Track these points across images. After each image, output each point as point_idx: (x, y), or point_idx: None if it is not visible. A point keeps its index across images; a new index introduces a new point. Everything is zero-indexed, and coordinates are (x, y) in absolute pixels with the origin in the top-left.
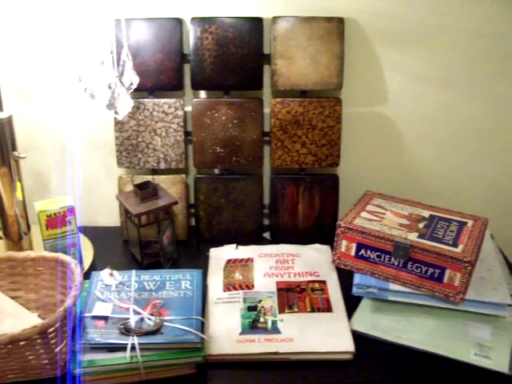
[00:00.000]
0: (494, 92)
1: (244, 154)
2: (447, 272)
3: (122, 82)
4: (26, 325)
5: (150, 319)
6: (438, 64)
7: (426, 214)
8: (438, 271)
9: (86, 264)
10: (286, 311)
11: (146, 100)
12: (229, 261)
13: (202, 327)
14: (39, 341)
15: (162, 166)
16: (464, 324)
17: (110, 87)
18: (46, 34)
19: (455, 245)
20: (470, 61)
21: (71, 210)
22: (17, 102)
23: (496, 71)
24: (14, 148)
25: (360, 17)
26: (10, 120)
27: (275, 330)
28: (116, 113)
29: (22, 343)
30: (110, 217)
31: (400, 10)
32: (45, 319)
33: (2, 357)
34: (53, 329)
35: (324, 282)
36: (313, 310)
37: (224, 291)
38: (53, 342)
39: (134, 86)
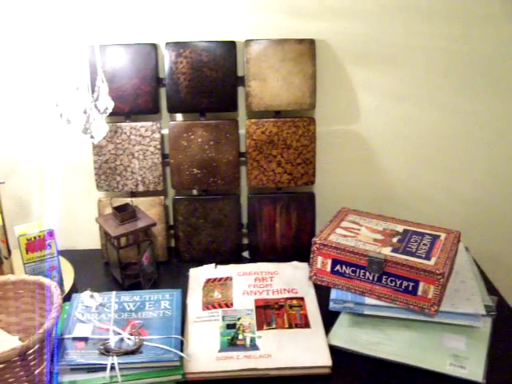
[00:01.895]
0: (466, 108)
1: (221, 174)
2: (421, 285)
3: (97, 107)
4: (6, 348)
5: (129, 339)
6: (409, 82)
7: (400, 228)
8: (411, 284)
9: (67, 286)
10: (265, 328)
11: (123, 124)
12: (208, 280)
13: (182, 346)
14: (19, 363)
15: (141, 188)
16: (439, 335)
17: (85, 112)
18: (22, 59)
19: (428, 258)
20: (441, 78)
21: (51, 233)
22: None
23: (467, 88)
24: None
25: (331, 38)
26: None
27: (254, 346)
28: (92, 137)
29: (1, 366)
30: (91, 239)
31: (370, 30)
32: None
33: None
34: (32, 351)
35: (302, 299)
36: (291, 326)
37: (203, 310)
38: (32, 363)
39: (109, 111)
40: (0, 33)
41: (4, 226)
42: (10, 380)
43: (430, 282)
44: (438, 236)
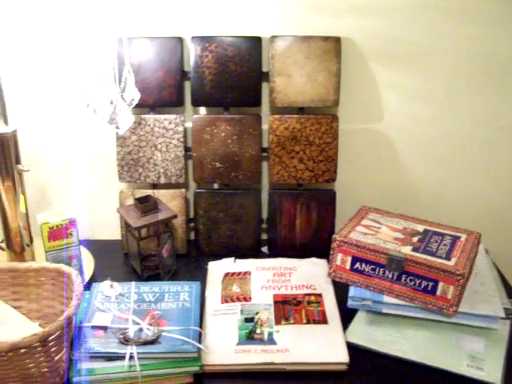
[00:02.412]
0: (487, 110)
1: (243, 169)
2: (440, 285)
3: (123, 98)
4: (27, 334)
5: (148, 329)
6: (434, 82)
7: (421, 228)
8: (431, 284)
9: (87, 276)
10: (283, 323)
11: (147, 116)
12: (227, 274)
13: (200, 338)
14: (39, 349)
15: (163, 180)
16: (457, 336)
17: (111, 103)
18: (50, 50)
19: (448, 258)
20: (465, 79)
21: (73, 222)
22: (21, 116)
23: (488, 90)
24: (18, 161)
25: (356, 36)
26: (14, 134)
27: (271, 341)
28: (117, 128)
29: (22, 351)
30: (111, 230)
31: (395, 30)
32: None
33: (2, 365)
34: (53, 337)
35: (320, 295)
36: (308, 322)
37: (222, 303)
38: (53, 350)
39: (136, 102)
40: (29, 23)
41: (27, 213)
42: (31, 365)
43: (450, 283)
44: (459, 237)
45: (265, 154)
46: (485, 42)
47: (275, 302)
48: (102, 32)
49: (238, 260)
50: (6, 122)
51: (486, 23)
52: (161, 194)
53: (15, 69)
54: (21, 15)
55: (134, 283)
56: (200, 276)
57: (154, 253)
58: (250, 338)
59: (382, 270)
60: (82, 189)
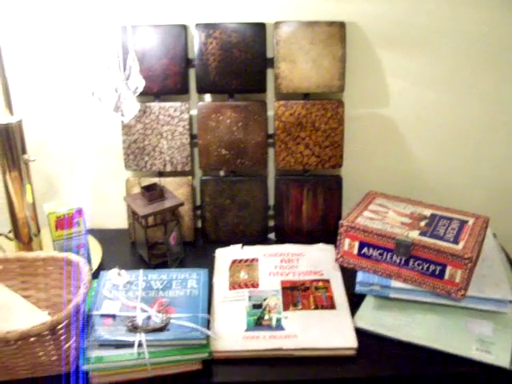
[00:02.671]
0: (495, 93)
1: (249, 156)
2: (448, 269)
3: (128, 86)
4: (37, 322)
5: (156, 317)
6: (439, 66)
7: (428, 212)
8: (439, 268)
9: (94, 265)
10: (291, 309)
11: (152, 104)
12: (234, 261)
13: (208, 324)
14: (49, 337)
15: (169, 168)
16: (465, 320)
17: (116, 91)
18: (54, 40)
19: (456, 242)
20: (471, 63)
21: (80, 211)
22: (26, 106)
23: (496, 73)
24: (23, 151)
25: (361, 21)
26: (19, 124)
27: (279, 327)
28: (122, 115)
29: (31, 339)
30: (118, 219)
31: (400, 13)
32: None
33: (12, 353)
34: (62, 325)
35: (328, 281)
36: (317, 308)
37: (230, 290)
38: (62, 338)
39: (140, 90)
40: (34, 12)
41: (34, 203)
42: (40, 353)
43: (458, 267)
44: (466, 221)
45: (271, 141)
46: (490, 24)
47: (283, 288)
48: (107, 20)
49: (245, 247)
50: (11, 112)
51: (491, 5)
52: (167, 182)
53: (20, 58)
54: (26, 5)
55: (141, 271)
56: (207, 263)
57: (162, 241)
58: (258, 324)
59: (389, 254)
60: (88, 178)
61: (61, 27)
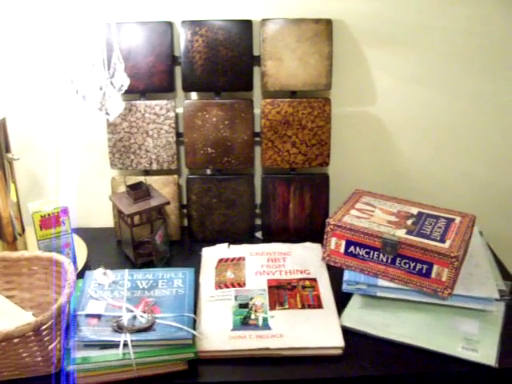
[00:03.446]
0: (482, 90)
1: (235, 154)
2: (435, 267)
3: (112, 84)
4: (21, 323)
5: (142, 317)
6: (426, 64)
7: (415, 211)
8: (425, 267)
9: (80, 264)
10: (277, 308)
11: (137, 102)
12: (221, 260)
13: (194, 324)
14: (33, 338)
15: (154, 166)
16: (452, 318)
17: (101, 89)
18: (38, 37)
19: (442, 241)
20: (458, 60)
21: (65, 210)
22: (10, 103)
23: (483, 70)
24: (7, 150)
25: (348, 18)
26: (3, 122)
27: (266, 326)
28: (107, 114)
29: (15, 340)
30: (104, 217)
31: (387, 10)
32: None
33: None
34: (46, 326)
35: (315, 280)
36: (303, 307)
37: (216, 289)
38: (46, 339)
39: (125, 88)
40: (16, 8)
41: (18, 202)
42: (24, 355)
43: (444, 265)
44: (453, 219)
45: (257, 139)
46: (479, 21)
47: (269, 288)
48: (91, 17)
49: (231, 246)
50: None
51: (480, 2)
52: (153, 181)
53: (4, 56)
54: (9, 1)
55: (127, 270)
56: (194, 262)
57: (147, 240)
58: (244, 323)
59: (376, 253)
60: (73, 176)
61: (45, 24)
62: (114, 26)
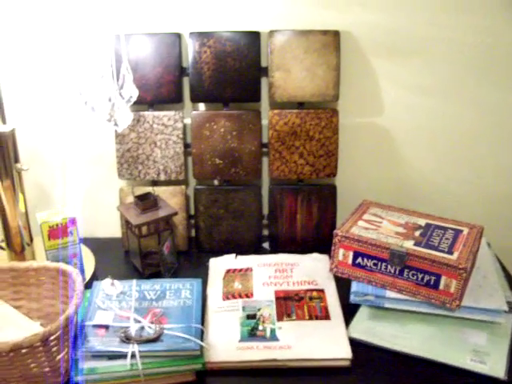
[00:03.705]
0: (489, 101)
1: (243, 165)
2: (443, 279)
3: (121, 95)
4: (28, 333)
5: (150, 327)
6: (433, 75)
7: (422, 222)
8: (433, 278)
9: (88, 274)
10: (285, 319)
11: (145, 113)
12: (228, 270)
13: (202, 335)
14: (41, 348)
15: (162, 177)
16: (460, 330)
17: (109, 100)
18: (47, 48)
19: (450, 252)
20: (465, 71)
21: (73, 220)
22: (20, 115)
23: (491, 80)
24: (16, 160)
25: (355, 29)
26: (12, 133)
27: (274, 337)
28: (116, 125)
29: (23, 351)
30: (111, 228)
31: (394, 22)
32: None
33: (3, 365)
34: (54, 336)
35: (322, 291)
36: (311, 318)
37: (223, 300)
38: (54, 349)
39: (134, 99)
40: (26, 20)
41: (26, 212)
42: (32, 365)
43: (453, 277)
44: (461, 230)
45: (265, 150)
46: (486, 32)
47: (277, 298)
48: (100, 29)
49: (239, 256)
50: (4, 121)
51: (487, 13)
52: (161, 191)
53: (13, 67)
54: (18, 13)
55: (135, 281)
56: (201, 273)
57: (155, 250)
58: (252, 334)
59: (384, 264)
60: (81, 187)
61: (54, 36)
62: (122, 38)
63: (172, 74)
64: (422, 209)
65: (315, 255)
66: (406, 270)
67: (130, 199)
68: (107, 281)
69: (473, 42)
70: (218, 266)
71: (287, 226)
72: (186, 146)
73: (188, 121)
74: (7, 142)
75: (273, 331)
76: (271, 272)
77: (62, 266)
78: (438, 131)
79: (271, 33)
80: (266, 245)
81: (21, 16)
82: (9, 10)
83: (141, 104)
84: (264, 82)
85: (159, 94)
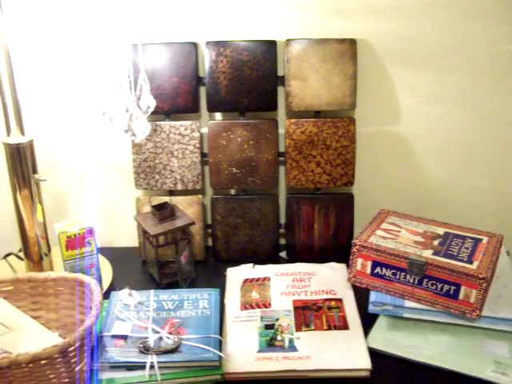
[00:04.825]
0: (507, 110)
1: (260, 174)
2: (462, 289)
3: (139, 106)
4: (47, 344)
5: (168, 338)
6: (450, 83)
7: (441, 231)
8: (453, 288)
9: (105, 284)
10: (303, 329)
11: (162, 123)
12: (246, 280)
13: (220, 345)
14: (60, 360)
15: (179, 187)
16: (481, 341)
17: (127, 111)
18: (65, 59)
19: (470, 261)
20: (482, 79)
21: (90, 231)
22: (37, 126)
23: (508, 89)
24: (34, 171)
25: (372, 38)
26: (31, 144)
27: (292, 347)
28: (133, 135)
29: (42, 362)
30: (128, 238)
31: (411, 30)
32: (65, 339)
33: (23, 376)
34: (73, 348)
35: (340, 300)
36: (329, 328)
37: (241, 310)
38: (73, 360)
39: (151, 110)
40: (44, 31)
41: (44, 222)
42: (51, 376)
43: (473, 287)
44: (480, 239)
45: (282, 159)
46: (504, 39)
47: (295, 308)
48: (117, 39)
49: (256, 266)
50: (22, 132)
51: (503, 20)
52: (178, 201)
53: (31, 78)
54: (36, 24)
55: (152, 291)
56: (219, 283)
57: (172, 260)
58: (270, 345)
59: (402, 274)
60: (98, 197)
61: (71, 46)
62: (139, 48)
63: (188, 83)
64: (440, 217)
65: (333, 264)
66: (424, 280)
67: (147, 209)
68: (125, 291)
69: (490, 49)
70: (236, 275)
71: (304, 235)
72: (203, 155)
73: (205, 130)
74: (25, 153)
75: (291, 341)
76: (289, 281)
77: (79, 276)
78: (455, 140)
79: (287, 42)
80: (283, 254)
81: (39, 26)
82: (27, 20)
83: (157, 114)
84: (280, 90)
85: (176, 103)
